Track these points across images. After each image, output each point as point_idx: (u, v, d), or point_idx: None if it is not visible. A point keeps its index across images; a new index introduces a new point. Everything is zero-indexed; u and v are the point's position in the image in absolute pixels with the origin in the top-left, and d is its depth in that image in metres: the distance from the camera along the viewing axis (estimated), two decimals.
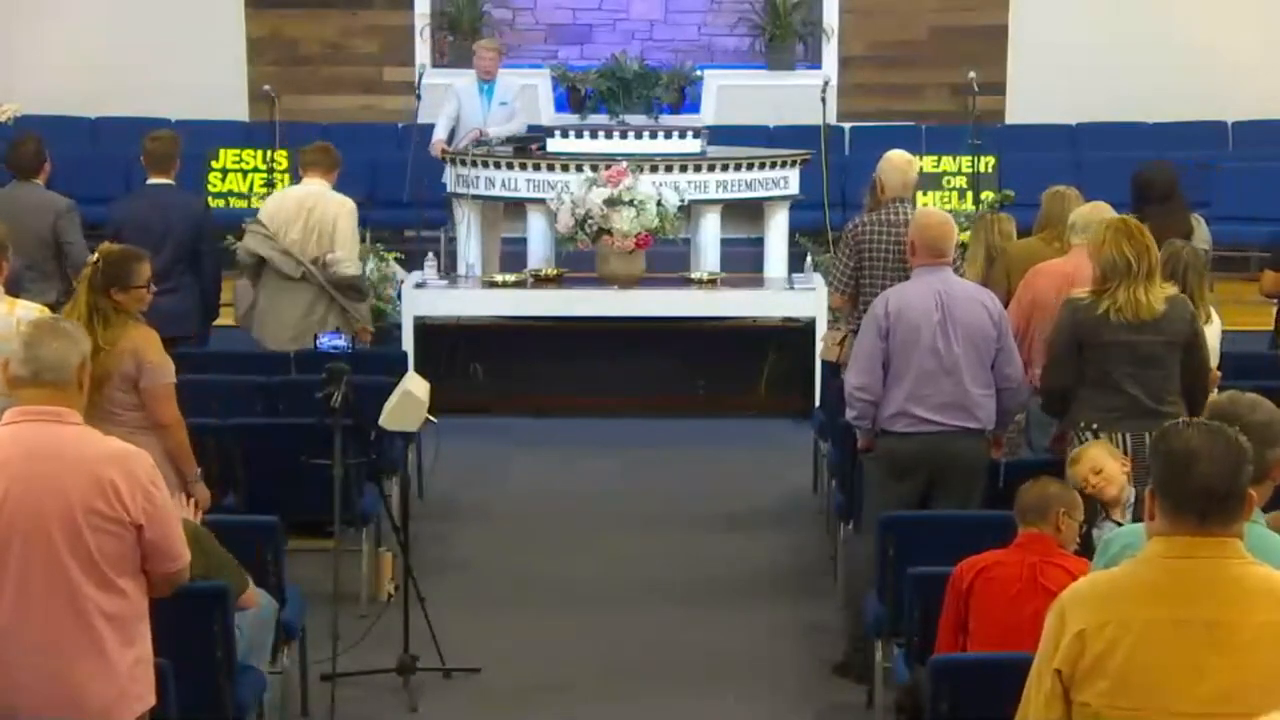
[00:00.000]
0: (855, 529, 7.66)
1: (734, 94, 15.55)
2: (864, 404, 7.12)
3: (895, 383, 7.07)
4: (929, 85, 15.80)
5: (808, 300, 11.09)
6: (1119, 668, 3.67)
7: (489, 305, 11.47)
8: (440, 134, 12.64)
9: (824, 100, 13.41)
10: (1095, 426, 6.90)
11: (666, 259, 11.69)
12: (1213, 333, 7.64)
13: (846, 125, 15.28)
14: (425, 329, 11.17)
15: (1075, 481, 6.30)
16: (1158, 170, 9.62)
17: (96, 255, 6.76)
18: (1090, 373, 6.92)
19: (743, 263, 12.02)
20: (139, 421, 6.74)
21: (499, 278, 11.40)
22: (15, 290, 7.25)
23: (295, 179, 11.10)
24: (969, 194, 13.27)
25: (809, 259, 11.74)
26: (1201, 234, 9.40)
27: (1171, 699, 3.64)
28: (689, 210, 11.49)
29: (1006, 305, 8.23)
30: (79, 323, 6.52)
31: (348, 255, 9.64)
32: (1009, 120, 15.62)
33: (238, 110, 15.51)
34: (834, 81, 14.64)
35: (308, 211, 9.62)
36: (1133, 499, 6.29)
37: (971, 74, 13.79)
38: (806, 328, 11.10)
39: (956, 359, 7.03)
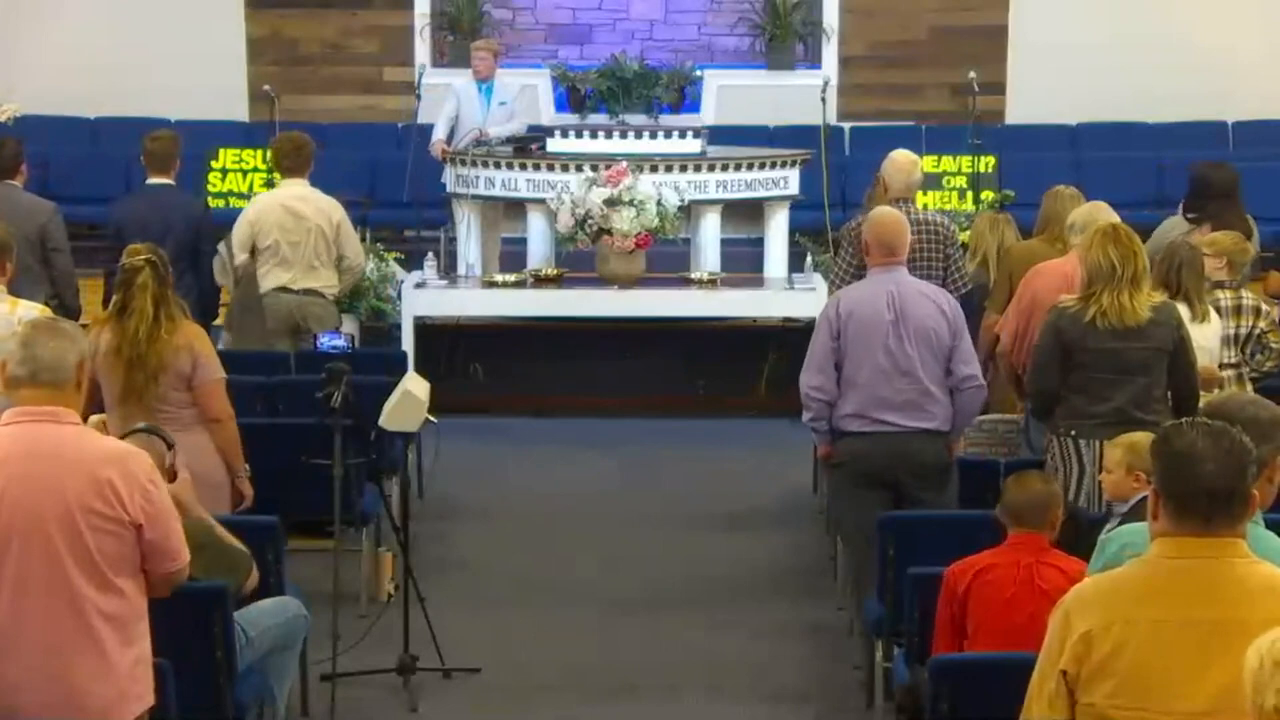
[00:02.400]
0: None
1: (734, 94, 15.55)
2: (819, 404, 7.12)
3: (849, 384, 7.07)
4: (929, 85, 15.80)
5: (808, 300, 11.08)
6: (1125, 668, 3.67)
7: (489, 305, 11.46)
8: (440, 133, 12.64)
9: (824, 100, 13.40)
10: (1074, 433, 6.91)
11: (666, 259, 11.68)
12: (1211, 332, 7.64)
13: (846, 125, 15.28)
14: (425, 329, 11.17)
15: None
16: (1217, 169, 9.63)
17: (144, 254, 6.78)
18: (1074, 379, 6.92)
19: (743, 263, 12.01)
20: (190, 419, 6.80)
21: (499, 278, 11.39)
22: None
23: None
24: (969, 194, 13.26)
25: (809, 259, 11.74)
26: (1256, 235, 9.43)
27: (1178, 698, 3.64)
28: (689, 210, 11.48)
29: (1007, 305, 8.24)
30: (143, 323, 6.60)
31: (356, 255, 9.81)
32: (1009, 120, 15.63)
33: (238, 110, 15.51)
34: (834, 81, 14.63)
35: (303, 217, 9.60)
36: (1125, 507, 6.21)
37: (971, 74, 13.78)
38: (806, 328, 11.05)
39: (911, 359, 7.02)
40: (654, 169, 11.33)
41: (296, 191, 9.66)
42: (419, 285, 11.27)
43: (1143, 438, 6.03)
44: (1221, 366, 7.74)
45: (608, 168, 11.14)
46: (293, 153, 9.72)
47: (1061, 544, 5.86)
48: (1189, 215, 9.36)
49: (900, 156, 8.99)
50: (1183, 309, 7.24)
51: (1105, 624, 3.69)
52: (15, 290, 7.34)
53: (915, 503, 7.05)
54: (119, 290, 6.82)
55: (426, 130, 12.82)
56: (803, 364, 7.32)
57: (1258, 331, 7.98)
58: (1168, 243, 8.09)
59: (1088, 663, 3.70)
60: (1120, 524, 5.49)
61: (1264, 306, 8.13)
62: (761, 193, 11.71)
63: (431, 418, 7.20)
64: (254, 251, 9.64)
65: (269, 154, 10.25)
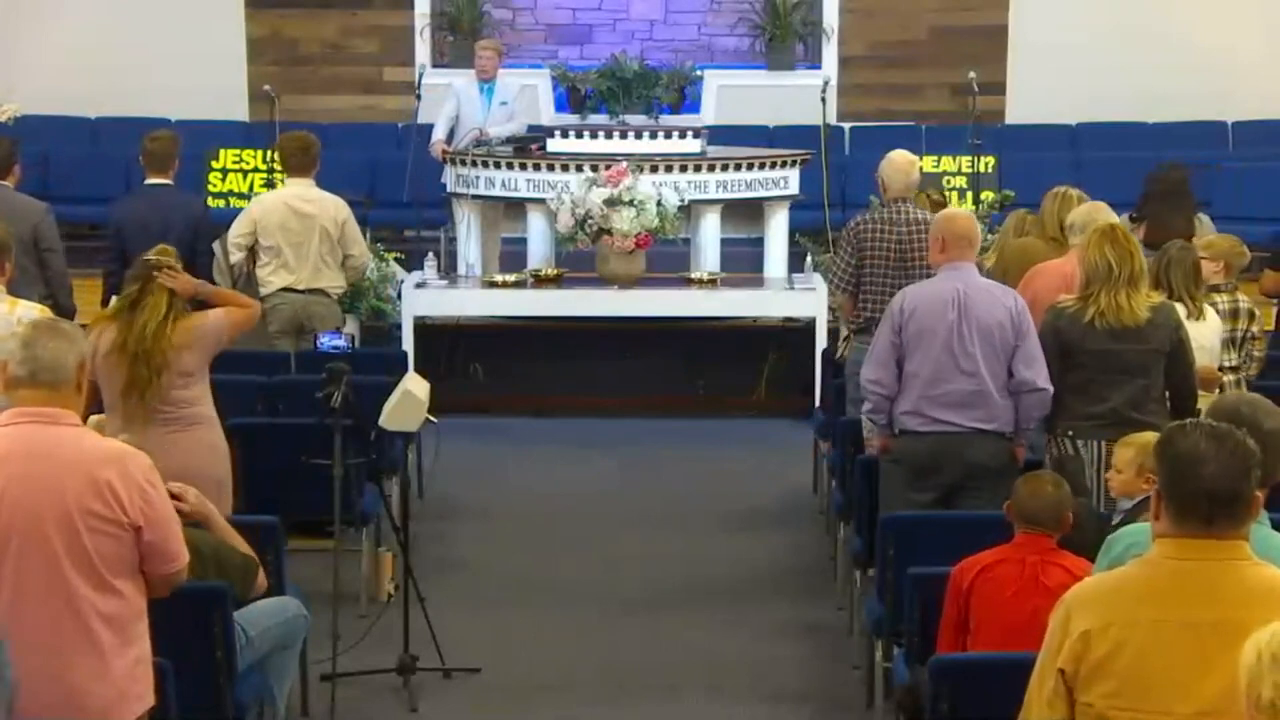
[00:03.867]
0: (857, 531, 7.63)
1: (734, 94, 15.55)
2: (878, 397, 7.06)
3: (909, 380, 7.01)
4: (929, 85, 15.80)
5: (808, 300, 11.09)
6: (1124, 668, 3.67)
7: (489, 305, 11.47)
8: (439, 133, 12.64)
9: (824, 100, 13.41)
10: (1072, 434, 6.90)
11: (666, 259, 11.68)
12: (1208, 330, 7.64)
13: (846, 125, 15.28)
14: (425, 329, 11.17)
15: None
16: (1164, 169, 9.67)
17: (169, 255, 6.83)
18: (1072, 379, 6.91)
19: (743, 263, 12.01)
20: (190, 418, 6.80)
21: (499, 278, 11.39)
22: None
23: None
24: (969, 194, 13.27)
25: (809, 259, 11.74)
26: (1204, 233, 9.42)
27: (1177, 699, 3.64)
28: (689, 210, 11.49)
29: None
30: (154, 319, 6.63)
31: (361, 253, 9.85)
32: (1009, 120, 15.63)
33: (238, 110, 15.51)
34: (834, 81, 14.64)
35: (308, 217, 9.59)
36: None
37: (971, 74, 13.78)
38: (806, 328, 11.10)
39: (974, 358, 6.94)
40: (654, 169, 11.33)
41: (301, 192, 9.66)
42: (419, 285, 11.27)
43: (1155, 438, 6.00)
44: (1221, 369, 7.74)
45: (608, 168, 11.14)
46: (299, 152, 9.72)
47: (1072, 543, 5.85)
48: (1132, 216, 9.40)
49: (898, 157, 8.98)
50: (1178, 308, 7.24)
51: (1104, 624, 3.69)
52: (11, 291, 7.33)
53: (969, 504, 6.96)
54: (134, 284, 6.82)
55: (426, 130, 12.82)
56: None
57: (1249, 336, 7.99)
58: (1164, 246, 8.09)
59: (1086, 662, 3.70)
60: (1123, 523, 5.49)
61: (1256, 311, 8.15)
62: (761, 193, 11.71)
63: (431, 418, 7.20)
64: (253, 250, 9.65)
65: (275, 153, 10.24)
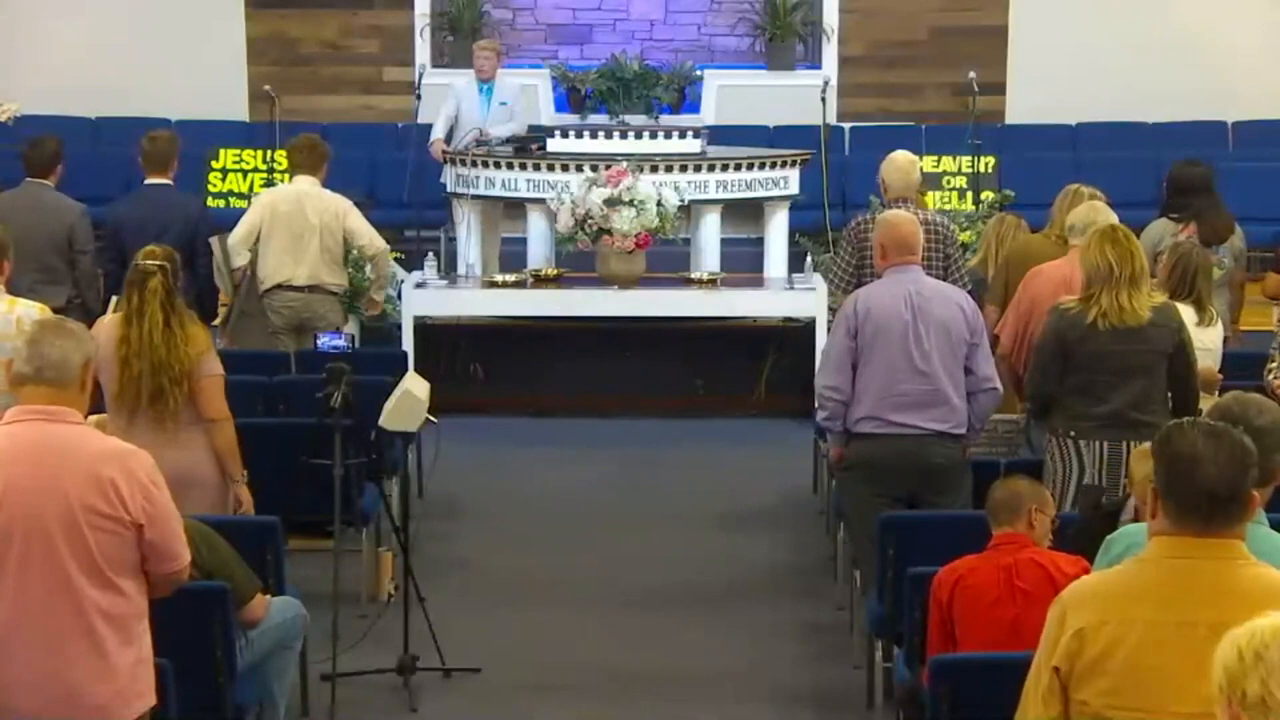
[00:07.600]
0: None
1: (734, 94, 15.55)
2: (835, 404, 7.05)
3: (866, 384, 7.00)
4: (929, 85, 15.80)
5: (808, 300, 11.09)
6: (1120, 667, 3.67)
7: (489, 305, 11.46)
8: (438, 132, 12.65)
9: (824, 100, 13.41)
10: (1074, 434, 6.90)
11: (666, 259, 11.68)
12: (1215, 335, 7.64)
13: (846, 125, 15.28)
14: (425, 329, 11.17)
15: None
16: (1192, 166, 9.62)
17: (158, 259, 6.78)
18: (1074, 380, 6.91)
19: (743, 263, 12.01)
20: (190, 416, 6.78)
21: (499, 278, 11.39)
22: (23, 293, 7.27)
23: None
24: (969, 194, 13.27)
25: (809, 259, 11.74)
26: (1239, 232, 9.43)
27: (1172, 699, 3.64)
28: (689, 210, 11.49)
29: (1003, 298, 8.24)
30: (155, 329, 6.59)
31: (372, 241, 9.79)
32: (1009, 120, 15.61)
33: (238, 110, 15.50)
34: (834, 81, 14.64)
35: (308, 213, 9.62)
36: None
37: (971, 74, 13.79)
38: (806, 328, 11.09)
39: (930, 359, 6.96)
40: (654, 169, 11.33)
41: (305, 188, 9.72)
42: (419, 285, 11.27)
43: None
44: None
45: (608, 168, 11.14)
46: (305, 149, 9.83)
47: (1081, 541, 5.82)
48: (1172, 215, 9.35)
49: (899, 157, 8.99)
50: (1189, 312, 7.24)
51: (1100, 622, 3.69)
52: (34, 290, 7.34)
53: (928, 507, 6.99)
54: (131, 290, 6.78)
55: (426, 130, 12.83)
56: (814, 363, 7.27)
57: None
58: (1173, 247, 8.05)
59: (1080, 660, 3.70)
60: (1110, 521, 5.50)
61: None
62: (761, 193, 11.71)
63: (431, 418, 7.20)
64: (256, 244, 9.68)
65: (280, 153, 10.28)
